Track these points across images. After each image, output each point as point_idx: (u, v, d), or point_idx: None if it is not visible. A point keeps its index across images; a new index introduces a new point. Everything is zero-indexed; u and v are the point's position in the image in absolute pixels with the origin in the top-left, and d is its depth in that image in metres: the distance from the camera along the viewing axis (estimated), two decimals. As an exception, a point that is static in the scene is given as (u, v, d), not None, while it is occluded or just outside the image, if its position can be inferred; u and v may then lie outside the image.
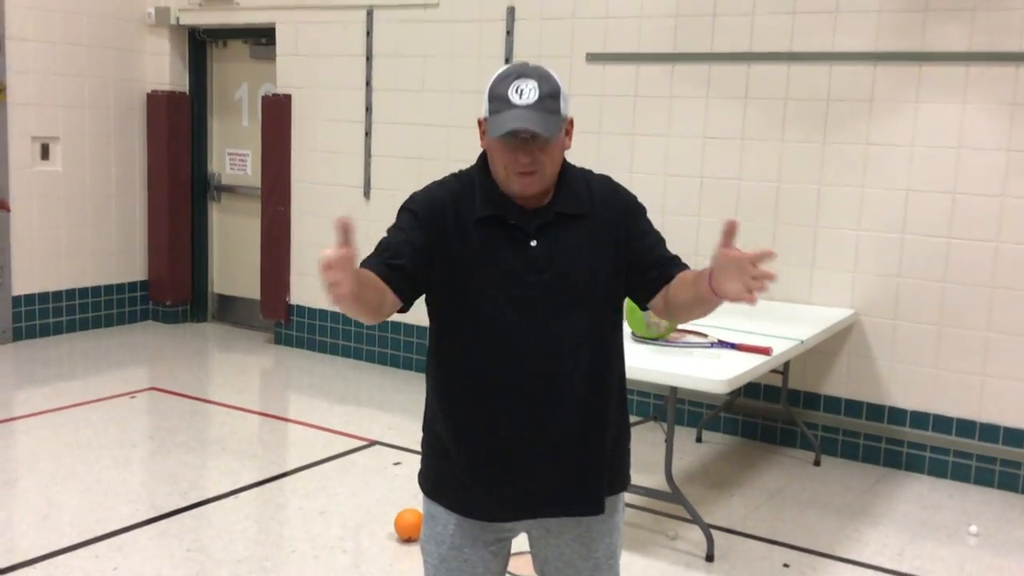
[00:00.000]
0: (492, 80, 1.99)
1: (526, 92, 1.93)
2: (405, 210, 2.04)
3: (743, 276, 1.77)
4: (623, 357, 2.16)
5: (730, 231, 1.79)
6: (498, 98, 1.95)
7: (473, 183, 2.04)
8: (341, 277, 1.65)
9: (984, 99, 4.50)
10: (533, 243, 2.00)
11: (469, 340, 2.02)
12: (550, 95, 1.94)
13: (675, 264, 2.09)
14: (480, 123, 2.04)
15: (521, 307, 1.99)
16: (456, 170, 2.12)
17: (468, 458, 2.06)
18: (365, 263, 1.92)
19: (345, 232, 1.67)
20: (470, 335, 2.02)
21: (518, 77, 1.96)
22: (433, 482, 2.15)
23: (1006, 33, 4.43)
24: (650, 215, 2.17)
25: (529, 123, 1.90)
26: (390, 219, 2.07)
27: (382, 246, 1.99)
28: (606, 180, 2.14)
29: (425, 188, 2.08)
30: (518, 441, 2.03)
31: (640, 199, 2.16)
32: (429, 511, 2.16)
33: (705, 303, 1.95)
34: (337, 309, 1.70)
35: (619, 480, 2.18)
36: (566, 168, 2.08)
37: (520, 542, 2.29)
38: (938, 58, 4.57)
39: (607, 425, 2.10)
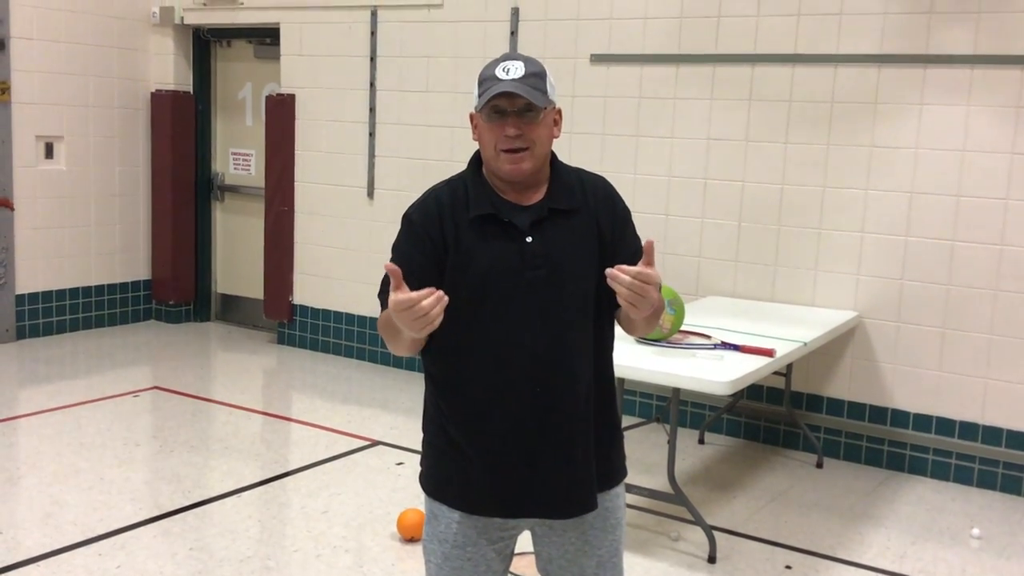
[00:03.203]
0: (481, 69, 2.06)
1: (512, 70, 2.00)
2: (404, 220, 2.10)
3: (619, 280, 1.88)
4: (612, 351, 2.19)
5: (649, 249, 1.91)
6: (486, 79, 2.02)
7: (466, 186, 2.08)
8: (432, 306, 1.81)
9: (989, 102, 4.50)
10: (529, 239, 2.02)
11: (468, 337, 2.03)
12: (535, 74, 2.01)
13: None
14: (472, 118, 2.09)
15: (520, 303, 2.01)
16: (453, 173, 2.16)
17: (469, 453, 2.07)
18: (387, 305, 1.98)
19: (397, 276, 1.85)
20: (470, 333, 2.03)
21: (505, 60, 2.04)
22: (435, 481, 2.15)
23: (1011, 36, 4.43)
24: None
25: (515, 88, 1.97)
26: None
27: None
28: (601, 179, 2.17)
29: (420, 197, 2.12)
30: (518, 433, 2.04)
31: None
32: (431, 510, 2.16)
33: (630, 319, 2.06)
34: (406, 352, 1.90)
35: (615, 474, 2.18)
36: (558, 165, 2.12)
37: (523, 543, 2.29)
38: (943, 61, 4.57)
39: (601, 417, 2.12)
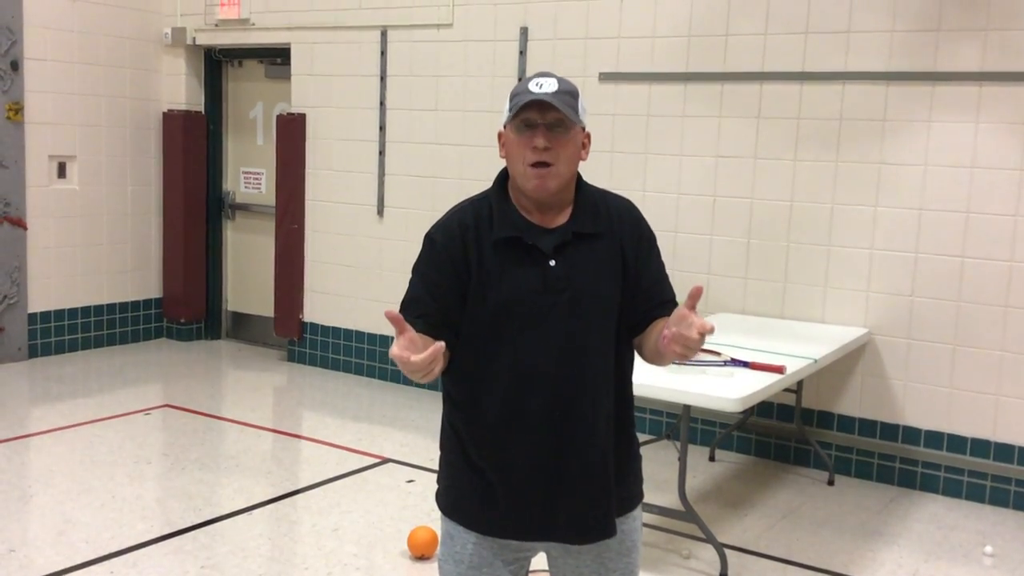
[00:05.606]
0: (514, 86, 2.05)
1: (545, 85, 1.99)
2: (427, 240, 2.08)
3: (685, 339, 1.83)
4: (632, 376, 2.17)
5: (695, 295, 1.83)
6: (518, 94, 2.00)
7: (490, 206, 2.06)
8: (425, 365, 1.78)
9: (997, 118, 4.51)
10: (552, 263, 2.01)
11: (489, 360, 2.02)
12: (568, 92, 2.00)
13: (663, 307, 2.08)
14: (500, 136, 2.07)
15: (541, 327, 2.00)
16: (471, 192, 2.15)
17: (487, 476, 2.06)
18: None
19: (399, 323, 1.79)
20: (490, 355, 2.02)
21: (538, 76, 2.02)
22: (451, 501, 2.14)
23: (1019, 52, 4.44)
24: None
25: (546, 98, 1.95)
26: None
27: (414, 302, 2.00)
28: (626, 202, 2.15)
29: (443, 217, 2.11)
30: (538, 459, 2.03)
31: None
32: (447, 530, 2.16)
33: (660, 355, 2.00)
34: (418, 378, 1.87)
35: (632, 499, 2.18)
36: (583, 187, 2.10)
37: (537, 560, 2.29)
38: (950, 78, 4.58)
39: (620, 442, 2.11)
